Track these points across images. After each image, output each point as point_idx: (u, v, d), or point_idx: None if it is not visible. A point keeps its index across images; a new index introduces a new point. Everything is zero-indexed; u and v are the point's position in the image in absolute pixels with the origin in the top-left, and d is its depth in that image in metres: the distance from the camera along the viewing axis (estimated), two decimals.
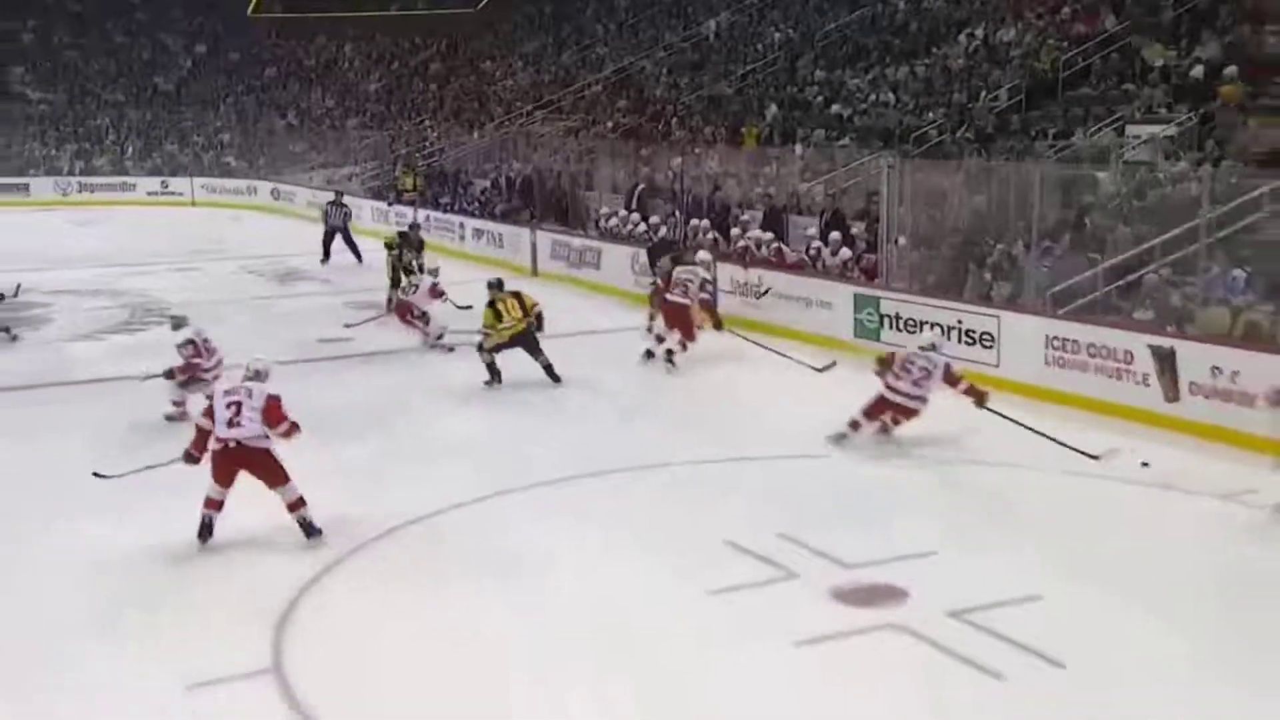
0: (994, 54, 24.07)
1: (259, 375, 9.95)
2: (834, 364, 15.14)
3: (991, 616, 7.76)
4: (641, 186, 24.42)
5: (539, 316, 15.16)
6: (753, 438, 12.49)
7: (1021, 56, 23.21)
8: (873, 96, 25.27)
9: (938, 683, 7.10)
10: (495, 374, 14.95)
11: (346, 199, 28.34)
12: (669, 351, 15.90)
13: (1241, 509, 10.08)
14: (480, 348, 15.09)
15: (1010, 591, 8.16)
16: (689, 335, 15.89)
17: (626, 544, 9.45)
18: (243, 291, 23.76)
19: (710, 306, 16.93)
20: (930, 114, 22.71)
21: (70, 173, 45.46)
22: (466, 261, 25.85)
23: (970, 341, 14.44)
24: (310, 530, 9.51)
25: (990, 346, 14.07)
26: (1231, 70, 18.26)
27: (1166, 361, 12.26)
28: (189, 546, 9.36)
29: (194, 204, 42.46)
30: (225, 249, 30.11)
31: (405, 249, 21.15)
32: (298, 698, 7.09)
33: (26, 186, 43.54)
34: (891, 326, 15.69)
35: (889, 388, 11.91)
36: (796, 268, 18.41)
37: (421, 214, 29.07)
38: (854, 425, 12.00)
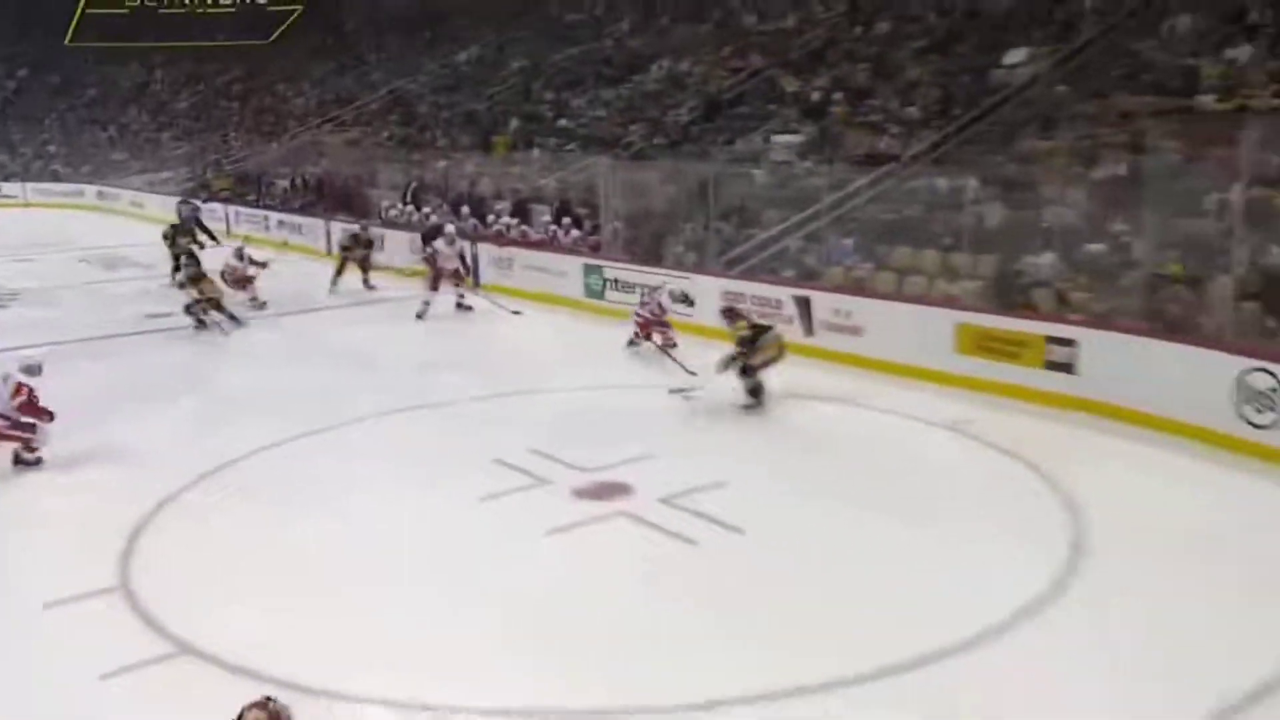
0: (678, 81, 24.72)
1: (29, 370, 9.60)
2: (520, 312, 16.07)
3: (692, 499, 8.20)
4: (414, 184, 24.14)
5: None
6: (512, 377, 12.58)
7: (698, 83, 23.94)
8: (590, 112, 25.53)
9: (653, 552, 7.49)
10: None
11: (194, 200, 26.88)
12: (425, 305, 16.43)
13: (852, 409, 10.91)
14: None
15: (704, 481, 8.56)
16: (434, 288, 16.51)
17: (413, 467, 9.45)
18: (77, 277, 22.03)
19: (468, 269, 17.45)
20: (633, 126, 23.10)
21: None
22: (272, 247, 24.92)
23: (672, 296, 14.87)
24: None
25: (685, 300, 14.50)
26: (838, 96, 19.65)
27: (804, 306, 13.11)
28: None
29: (28, 205, 39.14)
30: (59, 243, 27.67)
31: (179, 235, 20.18)
32: (146, 610, 6.80)
33: None
34: (613, 288, 16.12)
35: (637, 315, 13.47)
36: (539, 245, 18.55)
37: (233, 209, 28.21)
38: (632, 340, 13.47)
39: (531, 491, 8.64)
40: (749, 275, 14.53)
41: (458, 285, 16.50)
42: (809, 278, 14.36)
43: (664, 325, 13.14)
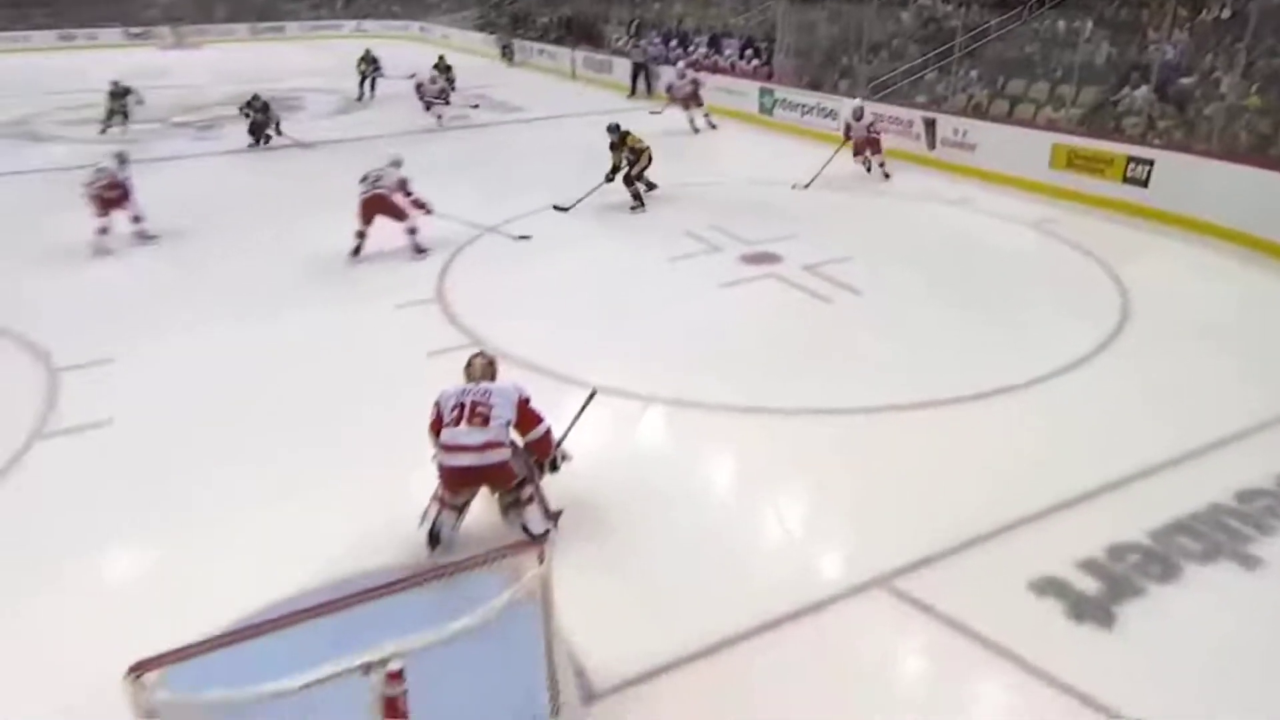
0: None
1: (395, 163, 9.06)
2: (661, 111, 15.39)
3: (825, 269, 8.41)
4: (636, 21, 23.41)
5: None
6: (701, 171, 12.55)
7: None
8: None
9: (795, 304, 7.77)
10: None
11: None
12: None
13: (958, 208, 10.54)
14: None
15: (835, 255, 8.72)
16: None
17: (631, 234, 9.87)
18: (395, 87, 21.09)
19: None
20: None
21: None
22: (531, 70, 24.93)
23: (823, 114, 14.46)
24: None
25: (836, 117, 14.05)
26: None
27: (929, 126, 12.49)
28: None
29: (364, 34, 39.49)
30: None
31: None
32: (453, 314, 7.59)
33: (283, 28, 39.23)
34: (780, 107, 15.62)
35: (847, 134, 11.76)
36: (725, 71, 18.00)
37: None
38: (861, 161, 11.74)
39: (710, 255, 8.98)
40: (888, 99, 13.81)
41: (687, 109, 15.35)
42: (938, 103, 13.56)
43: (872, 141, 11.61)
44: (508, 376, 4.69)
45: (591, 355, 6.62)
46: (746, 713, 3.59)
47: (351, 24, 40.60)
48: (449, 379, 4.54)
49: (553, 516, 4.51)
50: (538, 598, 3.06)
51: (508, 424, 4.26)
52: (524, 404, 4.34)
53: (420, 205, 8.92)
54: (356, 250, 8.88)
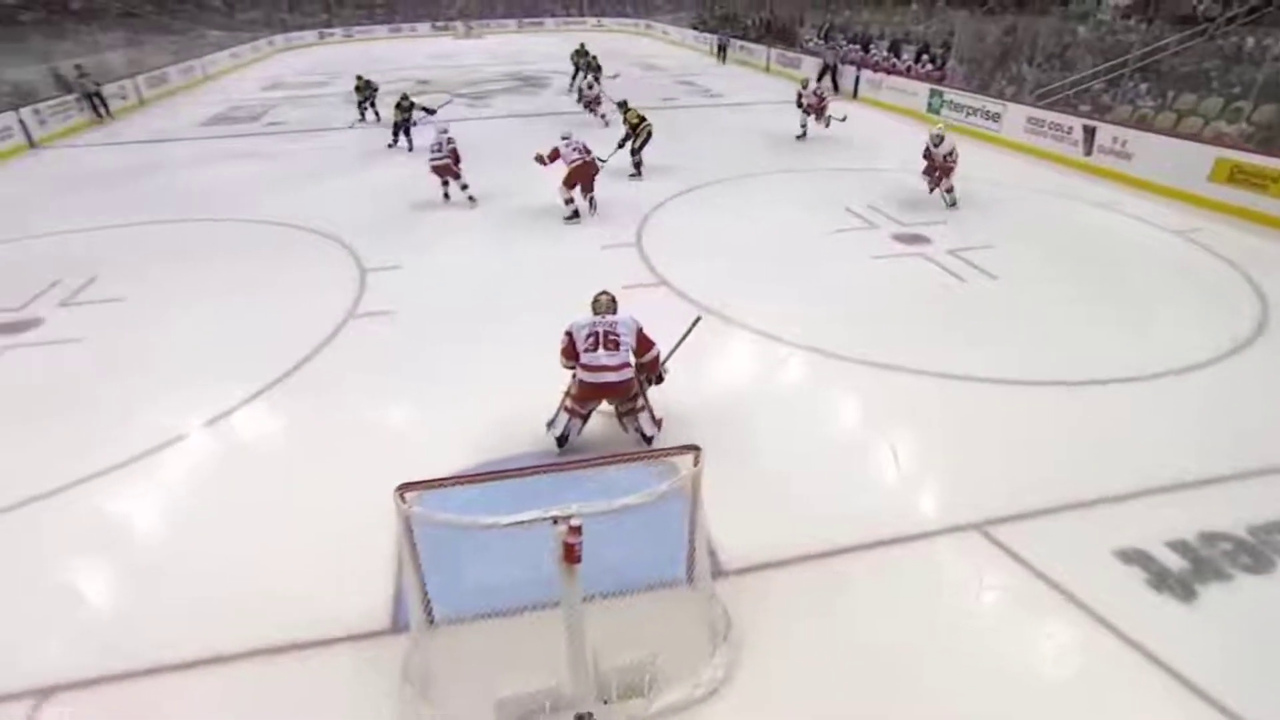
0: None
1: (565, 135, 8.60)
2: (845, 118, 12.86)
3: (968, 254, 7.73)
4: (827, 25, 22.00)
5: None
6: (866, 159, 11.79)
7: None
8: None
9: (936, 281, 7.19)
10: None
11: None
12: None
13: (1106, 211, 9.24)
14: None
15: (979, 243, 8.00)
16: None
17: (799, 208, 9.40)
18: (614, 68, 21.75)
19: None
20: None
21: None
22: (734, 64, 24.08)
23: (986, 116, 13.06)
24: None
25: (998, 120, 12.69)
26: None
27: (1089, 133, 10.96)
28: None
29: (603, 28, 39.89)
30: (623, 52, 27.38)
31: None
32: (647, 257, 7.63)
33: (542, 23, 40.42)
34: (947, 107, 14.24)
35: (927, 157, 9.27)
36: (900, 72, 16.60)
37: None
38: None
39: (867, 231, 8.48)
40: (1051, 106, 12.22)
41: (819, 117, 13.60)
42: (1101, 112, 11.85)
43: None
44: (665, 309, 4.71)
45: (751, 301, 6.52)
46: (842, 610, 3.53)
47: (593, 20, 40.85)
48: (637, 309, 4.63)
49: (658, 422, 4.54)
50: (688, 491, 3.13)
51: (630, 349, 4.29)
52: (640, 332, 4.34)
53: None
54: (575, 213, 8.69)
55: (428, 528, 2.85)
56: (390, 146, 12.49)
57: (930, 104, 14.73)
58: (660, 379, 4.56)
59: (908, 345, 5.81)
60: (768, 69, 21.93)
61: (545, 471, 3.02)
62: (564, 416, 4.44)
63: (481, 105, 16.93)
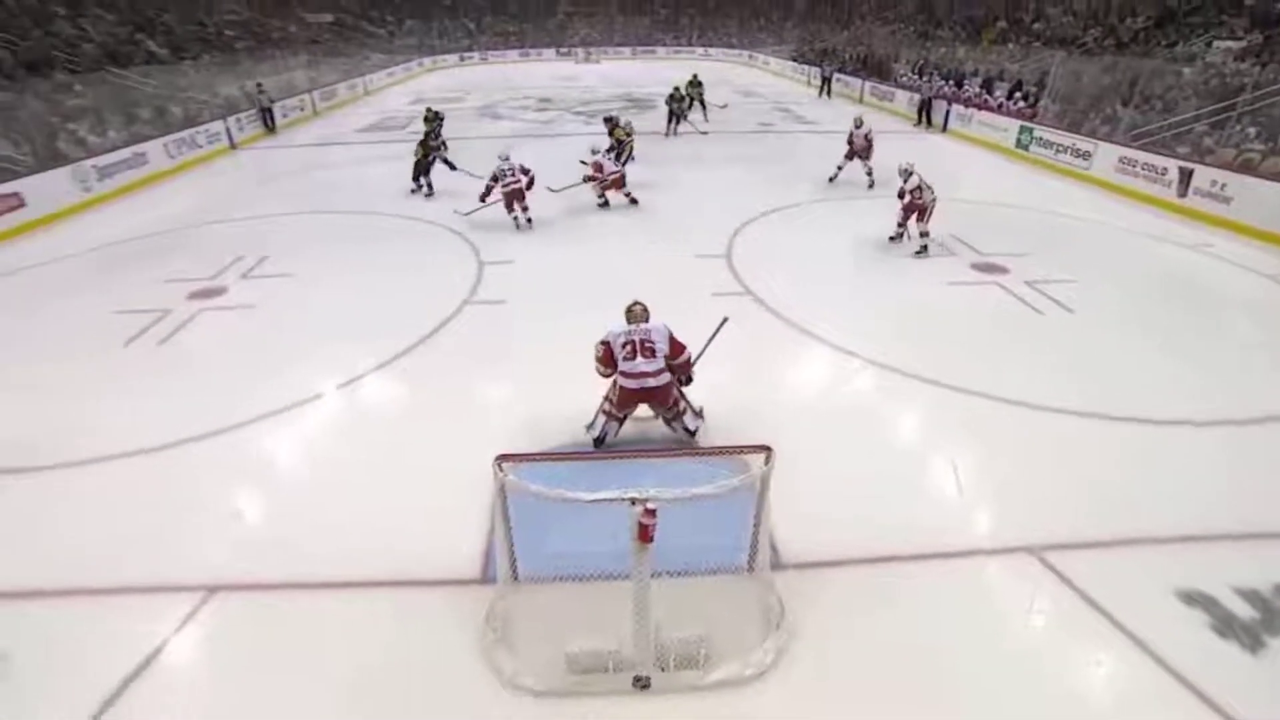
0: None
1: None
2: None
3: (1046, 286, 7.20)
4: (920, 62, 20.97)
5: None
6: (951, 188, 11.04)
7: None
8: (1061, 18, 19.61)
9: (1009, 310, 6.74)
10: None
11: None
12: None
13: (1194, 252, 8.36)
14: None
15: (1059, 276, 7.42)
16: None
17: (880, 228, 8.85)
18: (727, 97, 21.28)
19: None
20: (1091, 30, 17.65)
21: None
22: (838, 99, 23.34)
23: (1075, 154, 12.06)
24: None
25: (1088, 158, 11.75)
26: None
27: (1185, 175, 9.94)
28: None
29: (709, 58, 39.31)
30: (728, 80, 26.89)
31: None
32: (735, 268, 7.49)
33: (654, 51, 39.95)
34: (1036, 144, 13.23)
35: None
36: (991, 109, 15.61)
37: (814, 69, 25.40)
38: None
39: (945, 258, 8.02)
40: (1146, 148, 11.13)
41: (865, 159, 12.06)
42: (1203, 155, 10.69)
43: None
44: (749, 317, 4.59)
45: (829, 316, 6.32)
46: (892, 614, 3.37)
47: (700, 50, 40.63)
48: (717, 314, 4.56)
49: (699, 414, 4.48)
50: (757, 487, 3.06)
51: (664, 354, 4.18)
52: (672, 337, 4.23)
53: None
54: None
55: (519, 495, 2.91)
56: (412, 192, 10.24)
57: (1019, 140, 13.80)
58: (690, 379, 4.43)
59: (976, 369, 5.46)
60: (861, 100, 21.19)
61: (628, 457, 3.02)
62: (602, 419, 4.37)
63: (595, 123, 17.16)
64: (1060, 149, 12.55)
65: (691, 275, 7.31)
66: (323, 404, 5.17)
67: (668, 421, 4.42)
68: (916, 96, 17.33)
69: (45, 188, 10.01)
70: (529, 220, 8.83)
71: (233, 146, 15.09)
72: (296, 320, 6.56)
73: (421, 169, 10.20)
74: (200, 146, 14.03)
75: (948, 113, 16.16)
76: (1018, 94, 15.40)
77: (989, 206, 10.18)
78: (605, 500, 2.64)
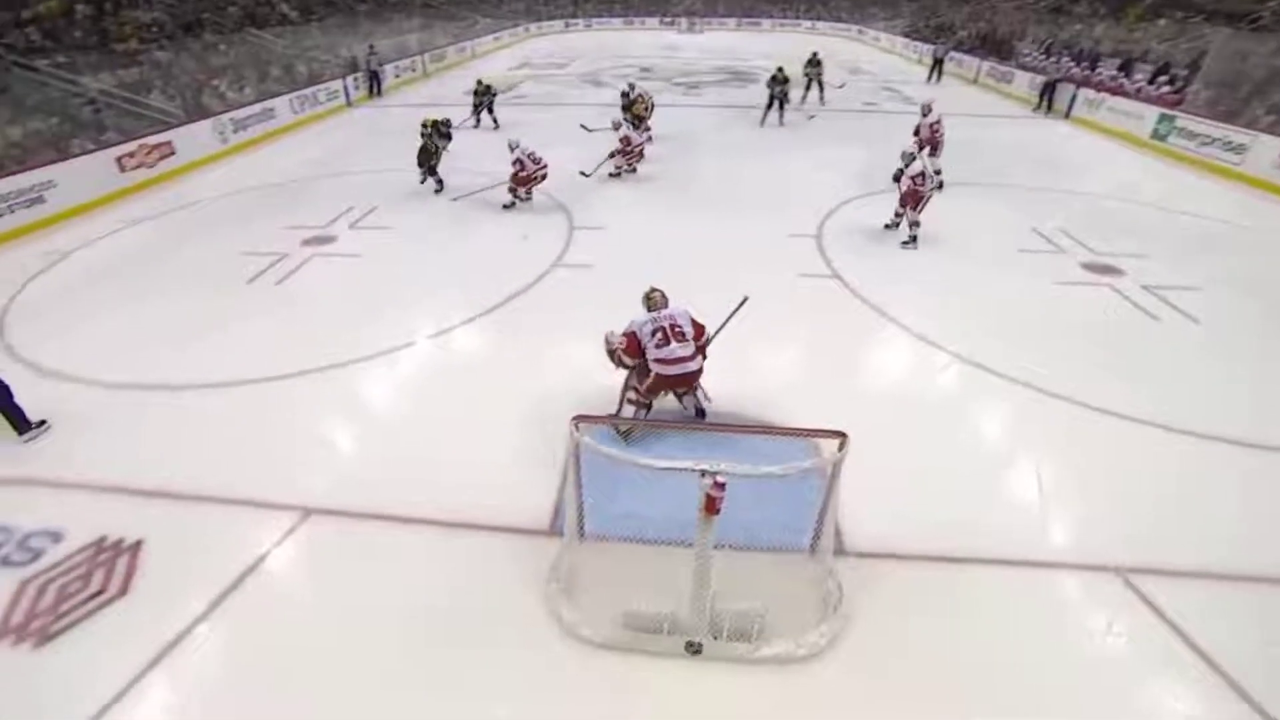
0: None
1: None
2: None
3: (1167, 292, 6.58)
4: (1050, 41, 19.18)
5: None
6: (1060, 180, 10.14)
7: None
8: None
9: (1121, 316, 6.21)
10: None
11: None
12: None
13: None
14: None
15: (1183, 283, 6.76)
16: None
17: (983, 219, 8.40)
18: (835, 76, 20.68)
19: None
20: (1270, 2, 15.27)
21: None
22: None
23: (1226, 147, 10.71)
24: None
25: (1241, 152, 10.43)
26: None
27: None
28: None
29: (815, 30, 37.62)
30: (835, 53, 26.27)
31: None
32: (823, 250, 7.19)
33: (759, 23, 38.38)
34: (1177, 135, 11.80)
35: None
36: (1125, 93, 14.06)
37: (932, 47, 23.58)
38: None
39: (1053, 256, 7.45)
40: None
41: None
42: None
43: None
44: (834, 301, 4.43)
45: (918, 306, 6.04)
46: (954, 616, 3.26)
47: (807, 23, 38.83)
48: (804, 297, 4.45)
49: (709, 396, 4.44)
50: (828, 471, 3.01)
51: (691, 337, 4.15)
52: (693, 319, 4.21)
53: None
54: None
55: (592, 455, 2.99)
56: (422, 182, 9.45)
57: (1156, 129, 12.45)
58: (705, 357, 4.34)
59: (1076, 375, 5.09)
60: (975, 81, 19.74)
61: (700, 429, 3.04)
62: (631, 410, 4.26)
63: (694, 94, 16.89)
64: (1206, 140, 11.24)
65: (780, 254, 7.16)
66: (415, 351, 5.46)
67: (679, 396, 4.38)
68: (1039, 78, 15.92)
69: (191, 138, 10.94)
70: (518, 199, 8.53)
71: (349, 104, 15.86)
72: (396, 271, 6.92)
73: (428, 165, 9.48)
74: (320, 103, 14.83)
75: (1074, 96, 14.79)
76: (1162, 78, 13.85)
77: (1108, 201, 9.34)
78: (676, 469, 2.67)
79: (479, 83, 13.39)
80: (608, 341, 4.32)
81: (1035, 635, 3.17)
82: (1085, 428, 4.58)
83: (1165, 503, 3.94)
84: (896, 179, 7.47)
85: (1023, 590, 3.39)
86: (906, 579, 3.43)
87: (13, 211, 8.07)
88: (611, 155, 9.53)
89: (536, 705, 2.89)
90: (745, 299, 4.53)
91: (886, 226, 7.78)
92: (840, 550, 3.53)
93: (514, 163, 8.30)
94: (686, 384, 4.22)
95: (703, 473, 2.65)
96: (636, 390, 4.28)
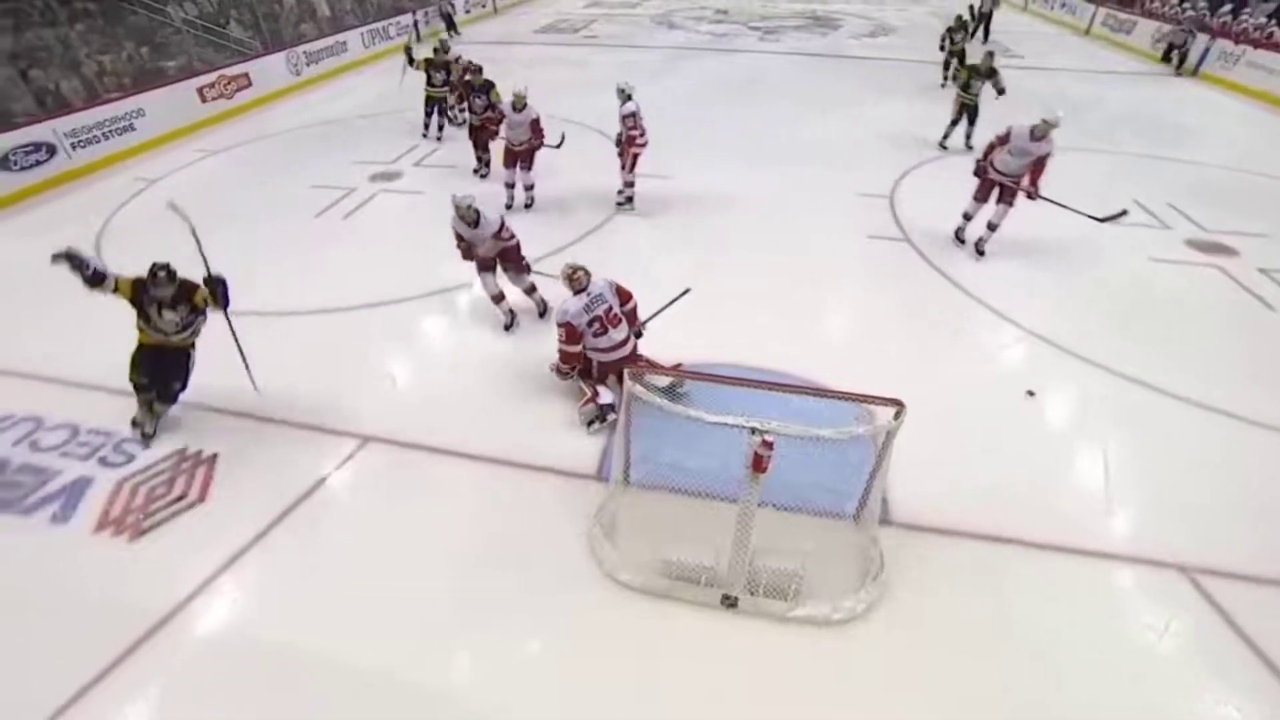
0: None
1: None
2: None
3: None
4: None
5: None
6: (1172, 147, 9.27)
7: None
8: None
9: (1231, 300, 5.74)
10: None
11: None
12: None
13: None
14: None
15: None
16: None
17: (1079, 186, 7.61)
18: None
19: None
20: None
21: None
22: (1045, 21, 20.06)
23: None
24: None
25: None
26: None
27: None
28: None
29: None
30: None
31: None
32: (895, 209, 6.94)
33: None
34: None
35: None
36: (1275, 45, 12.43)
37: None
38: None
39: (1154, 230, 6.93)
40: None
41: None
42: None
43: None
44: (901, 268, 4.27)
45: (994, 276, 5.79)
46: (999, 597, 3.23)
47: None
48: (875, 262, 4.29)
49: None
50: (880, 439, 2.98)
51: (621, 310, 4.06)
52: (619, 288, 4.11)
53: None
54: None
55: (643, 404, 3.04)
56: (424, 136, 8.98)
57: None
58: (639, 334, 4.27)
59: (1165, 362, 4.80)
60: (1088, 31, 18.08)
61: (754, 386, 3.04)
62: (590, 400, 4.15)
63: (771, 40, 16.18)
64: None
65: (850, 214, 6.92)
66: (473, 292, 5.59)
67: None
68: (1166, 28, 14.37)
69: (266, 70, 11.25)
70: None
71: (419, 40, 15.91)
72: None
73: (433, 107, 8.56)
74: (391, 38, 14.93)
75: (1207, 50, 13.26)
76: None
77: (1228, 172, 8.54)
78: (727, 424, 2.70)
79: (469, 64, 8.80)
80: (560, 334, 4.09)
81: (1085, 627, 3.11)
82: (1165, 417, 4.35)
83: (1251, 504, 3.73)
84: (979, 173, 5.99)
85: (1077, 580, 3.31)
86: (953, 556, 3.40)
87: (107, 138, 8.56)
88: (620, 144, 6.92)
89: (570, 641, 3.04)
90: (686, 290, 4.49)
91: (958, 238, 6.37)
92: (886, 520, 3.51)
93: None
94: (626, 366, 3.88)
95: (753, 430, 2.66)
96: (592, 380, 4.23)
